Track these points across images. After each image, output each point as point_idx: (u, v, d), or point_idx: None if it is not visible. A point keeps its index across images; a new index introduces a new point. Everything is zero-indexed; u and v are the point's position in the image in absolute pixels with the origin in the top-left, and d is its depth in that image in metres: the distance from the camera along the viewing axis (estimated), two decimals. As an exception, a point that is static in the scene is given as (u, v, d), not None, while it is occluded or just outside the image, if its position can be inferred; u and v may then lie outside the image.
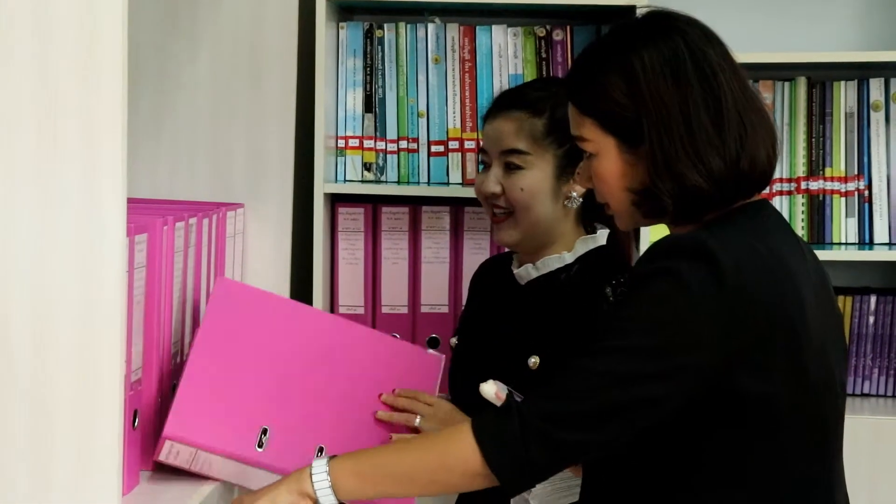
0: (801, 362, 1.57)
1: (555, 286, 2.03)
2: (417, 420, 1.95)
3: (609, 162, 1.64)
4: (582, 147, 1.68)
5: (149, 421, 1.73)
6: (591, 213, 2.08)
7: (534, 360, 1.99)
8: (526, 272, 2.07)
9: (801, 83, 2.70)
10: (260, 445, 1.78)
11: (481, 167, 2.13)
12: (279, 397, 1.83)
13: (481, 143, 2.15)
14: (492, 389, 1.75)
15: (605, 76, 1.63)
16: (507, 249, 2.18)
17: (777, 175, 2.70)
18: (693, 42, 1.62)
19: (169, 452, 1.73)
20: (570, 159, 2.02)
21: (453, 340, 2.20)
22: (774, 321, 1.55)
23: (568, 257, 2.04)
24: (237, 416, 1.79)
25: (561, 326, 1.98)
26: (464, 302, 2.59)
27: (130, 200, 1.48)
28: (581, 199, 2.04)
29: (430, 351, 1.96)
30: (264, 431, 1.79)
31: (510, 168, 2.05)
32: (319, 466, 1.65)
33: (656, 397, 1.54)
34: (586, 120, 1.65)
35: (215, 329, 1.82)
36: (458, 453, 1.59)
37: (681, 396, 1.54)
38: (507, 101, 2.09)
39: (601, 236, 2.06)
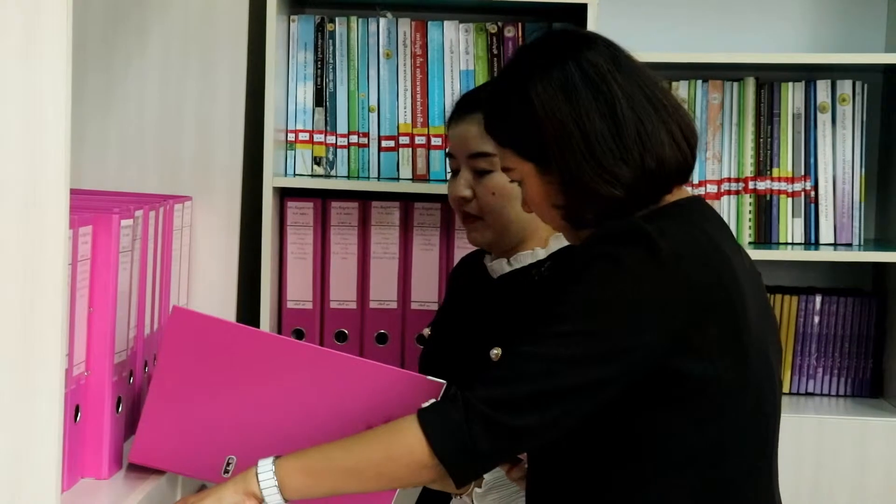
0: (741, 344, 1.60)
1: (526, 281, 2.03)
2: None
3: (532, 186, 1.70)
4: (510, 177, 1.74)
5: (92, 416, 1.71)
6: None
7: (496, 352, 1.98)
8: (499, 266, 2.07)
9: (750, 84, 2.72)
10: (226, 472, 1.76)
11: (450, 173, 2.12)
12: (245, 426, 1.76)
13: (448, 149, 2.14)
14: None
15: (508, 108, 1.69)
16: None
17: (725, 174, 2.72)
18: (582, 56, 1.66)
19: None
20: None
21: (426, 331, 2.20)
22: (714, 301, 1.58)
23: (541, 253, 2.04)
24: (202, 444, 1.76)
25: (524, 320, 1.98)
26: (412, 298, 2.60)
27: (75, 192, 1.47)
28: None
29: (431, 378, 1.76)
30: (229, 462, 1.77)
31: (479, 172, 2.05)
32: (265, 465, 1.63)
33: (599, 380, 1.55)
34: (506, 151, 1.71)
35: (174, 358, 1.75)
36: (404, 443, 1.59)
37: (624, 379, 1.56)
38: (470, 105, 2.07)
39: None
